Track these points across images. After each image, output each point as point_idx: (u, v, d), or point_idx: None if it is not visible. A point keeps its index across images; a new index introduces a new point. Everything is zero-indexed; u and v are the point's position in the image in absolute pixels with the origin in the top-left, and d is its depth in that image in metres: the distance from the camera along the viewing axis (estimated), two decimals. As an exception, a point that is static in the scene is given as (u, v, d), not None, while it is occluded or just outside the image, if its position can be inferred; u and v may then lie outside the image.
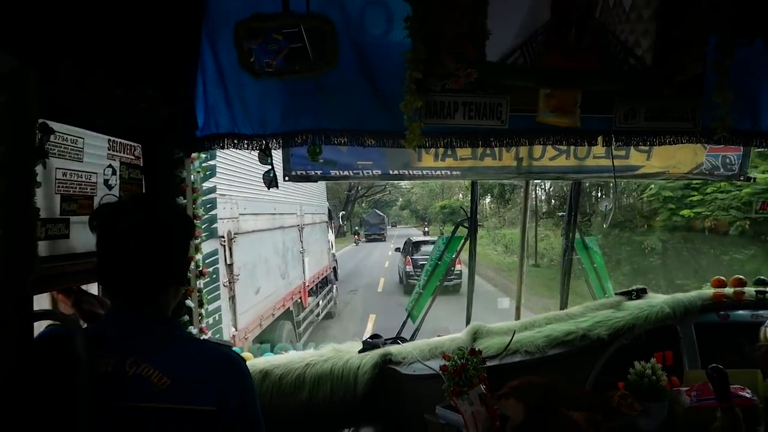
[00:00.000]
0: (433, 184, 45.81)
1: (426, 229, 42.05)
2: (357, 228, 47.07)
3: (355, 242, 40.24)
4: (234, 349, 2.50)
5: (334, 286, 13.68)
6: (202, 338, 2.37)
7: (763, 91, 2.29)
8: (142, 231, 1.26)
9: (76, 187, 1.77)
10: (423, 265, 15.31)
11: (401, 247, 19.43)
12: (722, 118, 2.07)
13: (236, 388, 1.25)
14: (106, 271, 1.29)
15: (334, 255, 14.16)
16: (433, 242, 18.11)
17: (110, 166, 1.96)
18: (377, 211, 48.02)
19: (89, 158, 1.84)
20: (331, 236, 13.66)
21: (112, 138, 1.96)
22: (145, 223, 1.27)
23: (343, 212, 17.68)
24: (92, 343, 1.19)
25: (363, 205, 60.72)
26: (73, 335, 1.19)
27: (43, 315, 1.29)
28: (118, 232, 1.26)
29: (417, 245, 17.95)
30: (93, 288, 1.82)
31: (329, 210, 13.42)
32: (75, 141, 1.77)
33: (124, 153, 2.04)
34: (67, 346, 1.17)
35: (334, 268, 13.86)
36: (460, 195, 43.87)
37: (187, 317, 2.32)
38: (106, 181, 1.94)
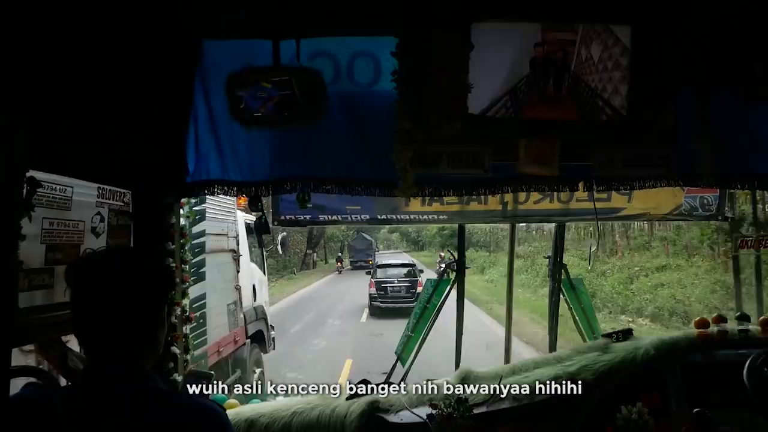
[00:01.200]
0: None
1: (442, 256, 27.22)
2: (339, 254, 41.56)
3: (337, 270, 35.37)
4: (218, 396, 2.48)
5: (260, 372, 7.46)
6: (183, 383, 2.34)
7: (736, 135, 2.38)
8: (114, 285, 1.24)
9: (62, 236, 1.78)
10: (386, 287, 15.80)
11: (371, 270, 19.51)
12: (706, 163, 2.14)
13: None
14: (79, 324, 1.28)
15: (261, 311, 7.88)
16: (397, 264, 18.52)
17: (99, 213, 1.98)
18: (364, 234, 41.76)
19: (77, 206, 1.86)
20: (255, 275, 7.64)
21: (101, 186, 1.98)
22: (117, 278, 1.26)
23: (284, 234, 8.55)
24: (69, 401, 1.18)
25: (350, 229, 56.18)
26: (52, 393, 1.17)
27: (20, 371, 1.27)
28: (89, 287, 1.25)
29: (382, 267, 18.18)
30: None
31: (249, 225, 6.94)
32: (64, 190, 1.79)
33: (113, 200, 2.07)
34: (44, 402, 1.16)
35: (261, 335, 7.77)
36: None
37: (171, 364, 2.30)
38: (93, 229, 1.95)
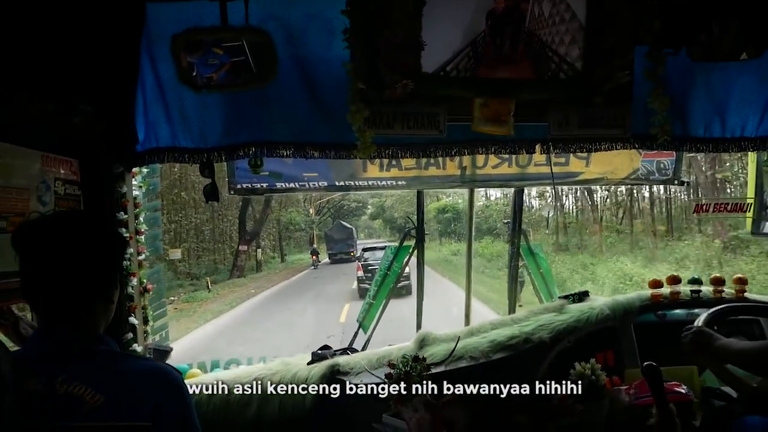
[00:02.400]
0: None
1: None
2: (313, 246, 35.38)
3: (312, 265, 30.33)
4: (181, 366, 2.47)
5: None
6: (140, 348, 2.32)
7: (691, 98, 2.39)
8: (63, 247, 1.23)
9: (6, 204, 1.73)
10: (374, 269, 15.88)
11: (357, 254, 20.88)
12: (662, 124, 2.15)
13: (171, 403, 1.22)
14: (29, 289, 1.26)
15: None
16: (381, 247, 18.88)
17: (44, 181, 1.92)
18: (344, 223, 37.05)
19: (20, 174, 1.80)
20: None
21: (45, 153, 1.92)
22: (65, 239, 1.24)
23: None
24: (20, 363, 1.16)
25: (326, 216, 47.14)
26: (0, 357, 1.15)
27: None
28: (38, 249, 1.23)
29: (368, 251, 19.75)
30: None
31: None
32: (6, 157, 1.73)
33: (59, 168, 2.00)
34: None
35: None
36: (456, 196, 30.37)
37: (131, 335, 2.27)
38: (39, 198, 1.90)
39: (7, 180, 1.74)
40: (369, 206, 52.55)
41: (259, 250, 30.58)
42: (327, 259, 33.67)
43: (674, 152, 3.02)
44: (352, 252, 32.45)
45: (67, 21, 1.90)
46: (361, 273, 17.64)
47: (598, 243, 19.40)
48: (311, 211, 41.66)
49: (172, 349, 2.43)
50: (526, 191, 3.30)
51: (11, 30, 1.64)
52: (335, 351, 2.58)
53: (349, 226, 36.17)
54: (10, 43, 1.65)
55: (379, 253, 18.16)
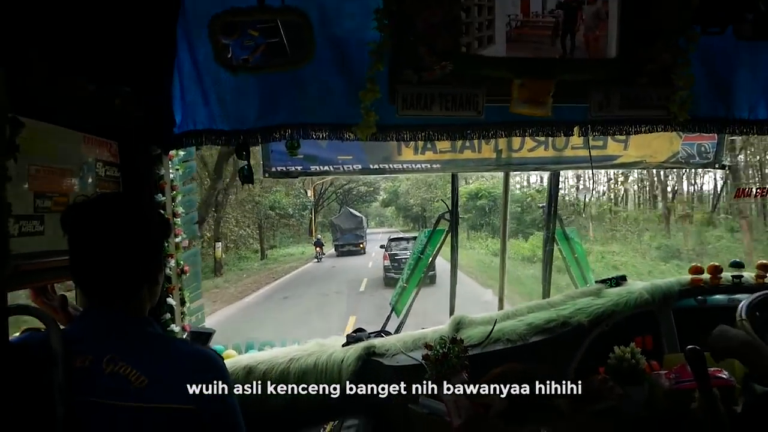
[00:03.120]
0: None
1: None
2: (318, 237, 30.97)
3: (316, 257, 27.86)
4: (217, 346, 2.51)
5: None
6: (184, 334, 2.36)
7: (735, 79, 2.32)
8: (113, 230, 1.26)
9: (50, 184, 1.75)
10: (400, 259, 16.68)
11: (384, 244, 21.20)
12: (682, 101, 2.08)
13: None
14: (78, 270, 1.29)
15: None
16: (408, 238, 20.22)
17: (86, 163, 1.94)
18: (352, 210, 33.74)
19: (63, 155, 1.82)
20: None
21: (87, 135, 1.94)
22: (115, 223, 1.27)
23: None
24: (69, 341, 1.19)
25: (330, 201, 43.14)
26: (49, 331, 1.18)
27: (18, 309, 1.28)
28: (89, 232, 1.25)
29: (395, 241, 20.61)
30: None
31: None
32: (49, 137, 1.75)
33: (100, 150, 2.02)
34: (43, 343, 1.17)
35: None
36: (485, 179, 26.99)
37: (168, 315, 2.31)
38: (81, 178, 1.92)
39: (51, 161, 1.76)
40: (380, 192, 48.39)
41: (218, 245, 21.76)
42: (333, 251, 31.56)
43: (716, 135, 2.94)
44: (362, 244, 30.79)
45: (105, 3, 1.91)
46: (387, 262, 18.67)
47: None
48: (309, 193, 36.18)
49: (214, 332, 2.47)
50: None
51: (52, 11, 1.65)
52: (370, 333, 2.59)
53: (358, 214, 33.49)
54: (52, 25, 1.66)
55: (405, 244, 19.34)
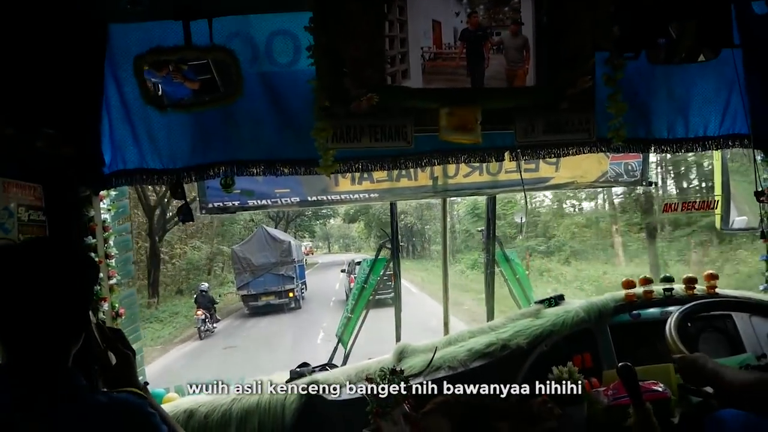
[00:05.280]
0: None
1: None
2: (202, 287, 15.83)
3: (199, 332, 14.92)
4: (157, 390, 2.42)
5: None
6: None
7: (653, 100, 2.46)
8: (34, 277, 1.18)
9: (-34, 233, 1.69)
10: None
11: (346, 268, 19.65)
12: (617, 128, 2.19)
13: None
14: None
15: None
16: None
17: (6, 208, 1.88)
18: (272, 231, 20.63)
19: (-21, 202, 1.76)
20: None
21: (6, 179, 1.88)
22: (37, 269, 1.20)
23: None
24: None
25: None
26: None
27: None
28: (6, 279, 1.19)
29: (359, 263, 18.66)
30: None
31: None
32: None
33: (22, 194, 1.96)
34: None
35: None
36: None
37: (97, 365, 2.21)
38: (1, 225, 1.86)
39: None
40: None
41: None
42: (245, 309, 18.41)
43: (640, 154, 3.08)
44: (291, 290, 18.04)
45: (28, 43, 1.88)
46: (353, 285, 17.42)
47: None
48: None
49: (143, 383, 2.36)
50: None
51: None
52: (314, 368, 2.55)
53: (283, 237, 20.04)
54: None
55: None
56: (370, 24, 1.93)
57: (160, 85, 2.07)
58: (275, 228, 25.44)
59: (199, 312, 14.96)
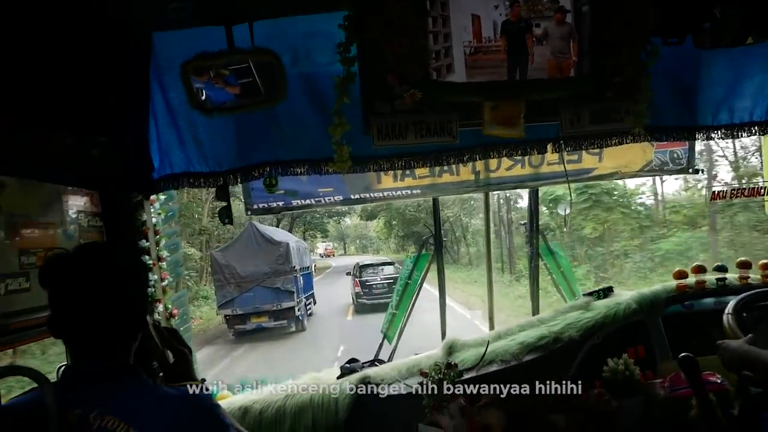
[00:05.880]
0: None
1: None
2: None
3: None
4: (210, 388, 2.47)
5: None
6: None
7: (700, 87, 2.40)
8: (92, 283, 1.24)
9: (35, 240, 1.75)
10: (371, 285, 15.58)
11: (351, 271, 18.90)
12: (638, 115, 2.12)
13: (204, 429, 1.23)
14: (60, 324, 1.27)
15: None
16: (378, 264, 18.63)
17: (69, 215, 1.95)
18: (263, 229, 15.21)
19: (45, 209, 1.83)
20: None
21: (67, 187, 1.95)
22: (94, 275, 1.25)
23: None
24: (60, 395, 1.18)
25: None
26: (42, 390, 1.17)
27: (8, 370, 1.27)
28: (67, 286, 1.24)
29: (364, 267, 18.47)
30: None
31: None
32: (31, 194, 1.77)
33: (81, 202, 2.03)
34: (33, 402, 1.17)
35: None
36: None
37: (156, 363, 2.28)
38: (65, 231, 1.93)
39: (33, 216, 1.77)
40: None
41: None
42: (231, 333, 14.45)
43: (686, 142, 3.00)
44: (292, 310, 14.15)
45: (81, 55, 1.93)
46: (358, 289, 17.41)
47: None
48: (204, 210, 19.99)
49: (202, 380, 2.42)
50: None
51: (25, 68, 1.67)
52: (363, 363, 2.58)
53: (277, 238, 15.30)
54: (23, 81, 1.68)
55: (377, 270, 17.92)
56: (413, 21, 1.92)
57: (204, 90, 2.11)
58: (277, 226, 21.58)
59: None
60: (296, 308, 14.31)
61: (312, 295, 17.37)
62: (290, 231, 23.49)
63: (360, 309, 17.13)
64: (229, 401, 2.39)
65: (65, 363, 1.90)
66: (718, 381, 1.99)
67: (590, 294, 2.66)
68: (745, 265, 2.53)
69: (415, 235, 28.72)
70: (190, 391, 1.34)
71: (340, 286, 21.34)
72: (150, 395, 1.27)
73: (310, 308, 16.80)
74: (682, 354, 1.82)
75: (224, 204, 2.30)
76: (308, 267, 17.42)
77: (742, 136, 2.52)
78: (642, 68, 2.08)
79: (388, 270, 18.18)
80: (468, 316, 13.09)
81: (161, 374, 1.53)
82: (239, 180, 2.26)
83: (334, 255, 47.85)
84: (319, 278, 24.54)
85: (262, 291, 13.94)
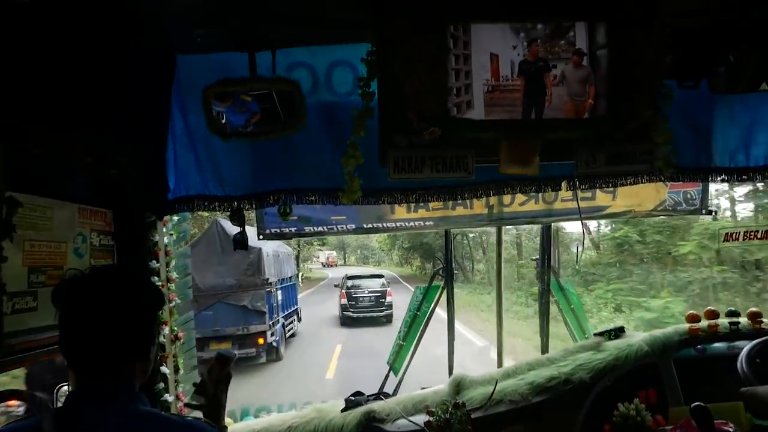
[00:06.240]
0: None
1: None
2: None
3: None
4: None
5: None
6: (178, 404, 2.30)
7: (715, 129, 2.41)
8: (104, 307, 1.24)
9: (44, 258, 1.74)
10: (357, 297, 15.70)
11: (340, 283, 18.87)
12: (666, 157, 2.14)
13: None
14: (69, 345, 1.26)
15: None
16: (366, 276, 18.56)
17: (80, 234, 1.94)
18: (227, 230, 10.19)
19: (58, 228, 1.82)
20: None
21: (82, 205, 1.95)
22: (107, 299, 1.25)
23: None
24: (60, 422, 1.16)
25: None
26: (41, 418, 1.15)
27: (8, 395, 1.25)
28: (80, 308, 1.23)
29: (351, 279, 18.49)
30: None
31: None
32: (44, 211, 1.76)
33: (94, 220, 2.03)
34: (34, 428, 1.14)
35: None
36: None
37: (162, 384, 2.26)
38: (76, 250, 1.92)
39: (45, 234, 1.76)
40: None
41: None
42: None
43: (700, 183, 3.02)
44: (262, 336, 11.15)
45: (101, 73, 1.95)
46: (345, 300, 17.51)
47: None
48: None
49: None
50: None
51: (47, 84, 1.69)
52: (369, 396, 2.53)
53: (254, 245, 9.64)
54: (50, 98, 1.69)
55: (365, 282, 17.75)
56: (436, 58, 1.95)
57: (224, 114, 2.13)
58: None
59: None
60: (268, 333, 11.23)
61: (296, 312, 14.95)
62: (279, 238, 21.81)
63: (345, 322, 17.17)
64: (230, 429, 2.35)
65: (64, 384, 1.87)
66: (731, 430, 1.95)
67: (601, 334, 2.63)
68: (756, 316, 2.51)
69: (423, 247, 26.06)
70: (197, 422, 1.32)
71: (335, 301, 19.40)
72: (150, 425, 1.25)
73: (292, 329, 14.24)
74: (694, 404, 1.79)
75: (240, 229, 2.29)
76: (291, 278, 14.63)
77: (756, 179, 2.53)
78: (657, 112, 2.10)
79: (377, 283, 18.03)
80: (479, 344, 12.18)
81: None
82: (254, 206, 2.27)
83: (336, 265, 46.96)
84: (310, 292, 23.56)
85: (225, 309, 10.88)
